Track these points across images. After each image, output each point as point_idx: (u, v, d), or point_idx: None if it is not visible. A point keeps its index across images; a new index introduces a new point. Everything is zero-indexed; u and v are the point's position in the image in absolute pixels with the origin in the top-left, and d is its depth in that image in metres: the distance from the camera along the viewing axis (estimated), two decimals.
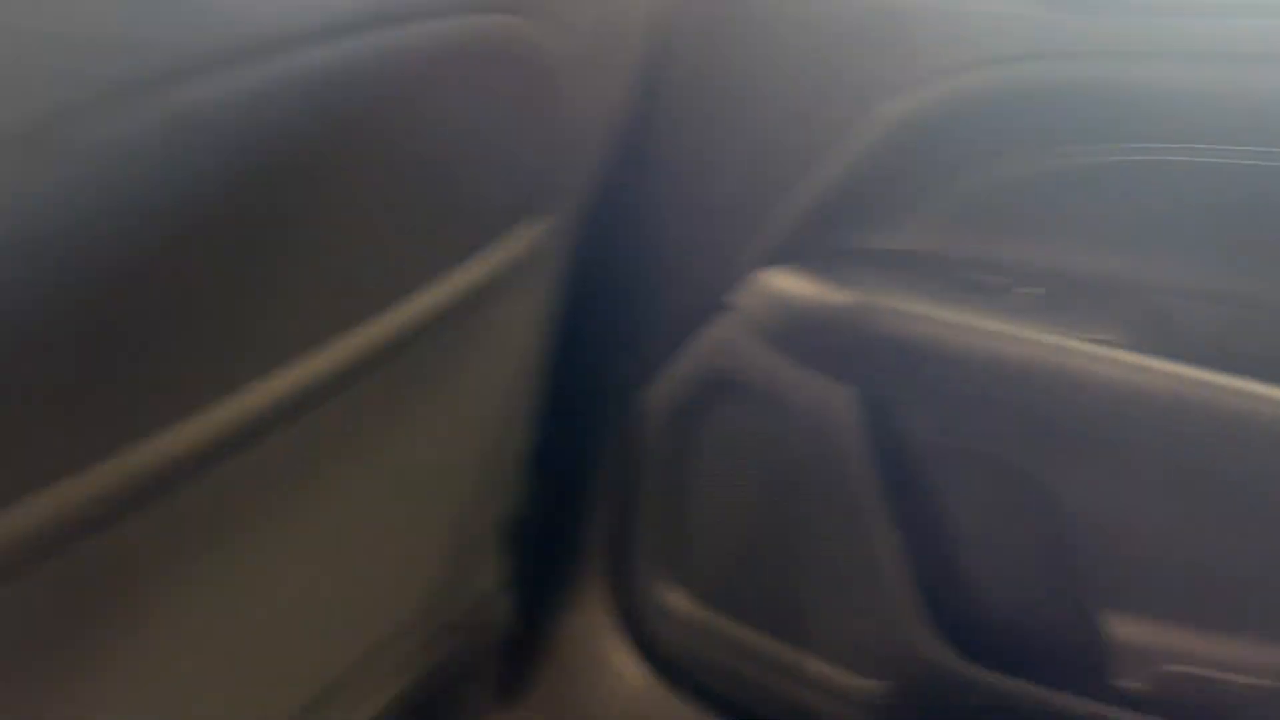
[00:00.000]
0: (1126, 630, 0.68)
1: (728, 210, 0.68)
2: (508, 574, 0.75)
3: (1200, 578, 0.65)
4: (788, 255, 0.68)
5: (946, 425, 0.68)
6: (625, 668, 0.89)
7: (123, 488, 0.36)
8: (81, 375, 0.33)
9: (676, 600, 0.85)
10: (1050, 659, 0.70)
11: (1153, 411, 0.59)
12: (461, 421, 0.58)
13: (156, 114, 0.29)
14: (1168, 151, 0.60)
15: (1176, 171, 0.60)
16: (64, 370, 0.32)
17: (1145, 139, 0.60)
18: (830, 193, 0.66)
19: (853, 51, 0.61)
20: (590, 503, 0.85)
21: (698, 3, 0.60)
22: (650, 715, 0.87)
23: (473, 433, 0.60)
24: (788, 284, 0.67)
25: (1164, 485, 0.63)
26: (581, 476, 0.84)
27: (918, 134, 0.63)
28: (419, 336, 0.48)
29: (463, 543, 0.67)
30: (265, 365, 0.40)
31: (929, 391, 0.67)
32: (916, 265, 0.67)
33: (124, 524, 0.38)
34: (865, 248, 0.68)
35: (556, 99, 0.46)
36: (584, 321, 0.71)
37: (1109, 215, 0.63)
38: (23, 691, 0.40)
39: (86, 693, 0.42)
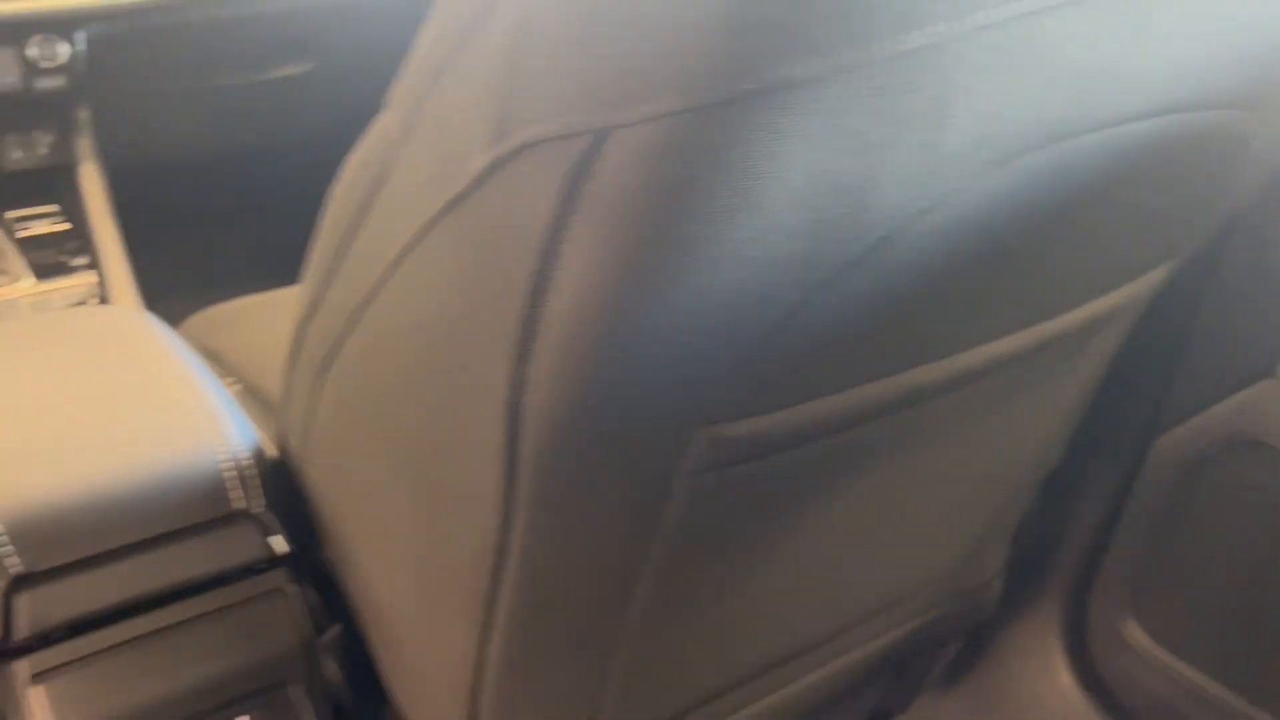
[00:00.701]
0: None
1: None
2: (1001, 565, 0.86)
3: None
4: None
5: None
6: (1062, 681, 0.96)
7: (878, 400, 0.51)
8: (902, 318, 0.47)
9: (1131, 633, 0.92)
10: None
11: None
12: (1039, 422, 0.70)
13: (1052, 155, 0.43)
14: None
15: None
16: (896, 314, 0.47)
17: None
18: None
19: None
20: (1069, 523, 0.94)
21: None
22: None
23: (1039, 434, 0.72)
24: None
25: None
26: (1070, 497, 0.93)
27: None
28: (1053, 345, 0.60)
29: (991, 524, 0.78)
30: (983, 338, 0.54)
31: None
32: None
33: (860, 429, 0.53)
34: None
35: (1235, 173, 0.56)
36: (1126, 360, 0.80)
37: None
38: (768, 533, 0.56)
39: (794, 541, 0.58)
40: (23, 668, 0.49)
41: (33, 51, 1.05)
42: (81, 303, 1.04)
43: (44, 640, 0.50)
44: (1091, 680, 0.96)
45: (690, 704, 0.69)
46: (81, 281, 1.05)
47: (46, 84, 1.07)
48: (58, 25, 1.06)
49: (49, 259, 1.07)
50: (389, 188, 0.43)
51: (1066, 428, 0.75)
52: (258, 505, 0.55)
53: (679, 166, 0.34)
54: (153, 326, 0.68)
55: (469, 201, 0.38)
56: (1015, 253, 0.48)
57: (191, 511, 0.53)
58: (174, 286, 1.26)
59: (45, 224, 1.10)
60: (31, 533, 0.50)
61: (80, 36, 1.08)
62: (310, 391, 0.53)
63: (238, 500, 0.54)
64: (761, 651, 0.70)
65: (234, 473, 0.55)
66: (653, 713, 0.66)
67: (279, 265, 1.37)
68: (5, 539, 0.49)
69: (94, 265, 1.07)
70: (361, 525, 0.54)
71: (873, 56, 0.34)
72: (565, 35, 0.35)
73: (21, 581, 0.49)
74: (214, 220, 1.42)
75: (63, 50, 1.07)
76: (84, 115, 1.15)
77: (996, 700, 1.00)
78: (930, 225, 0.41)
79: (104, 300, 1.06)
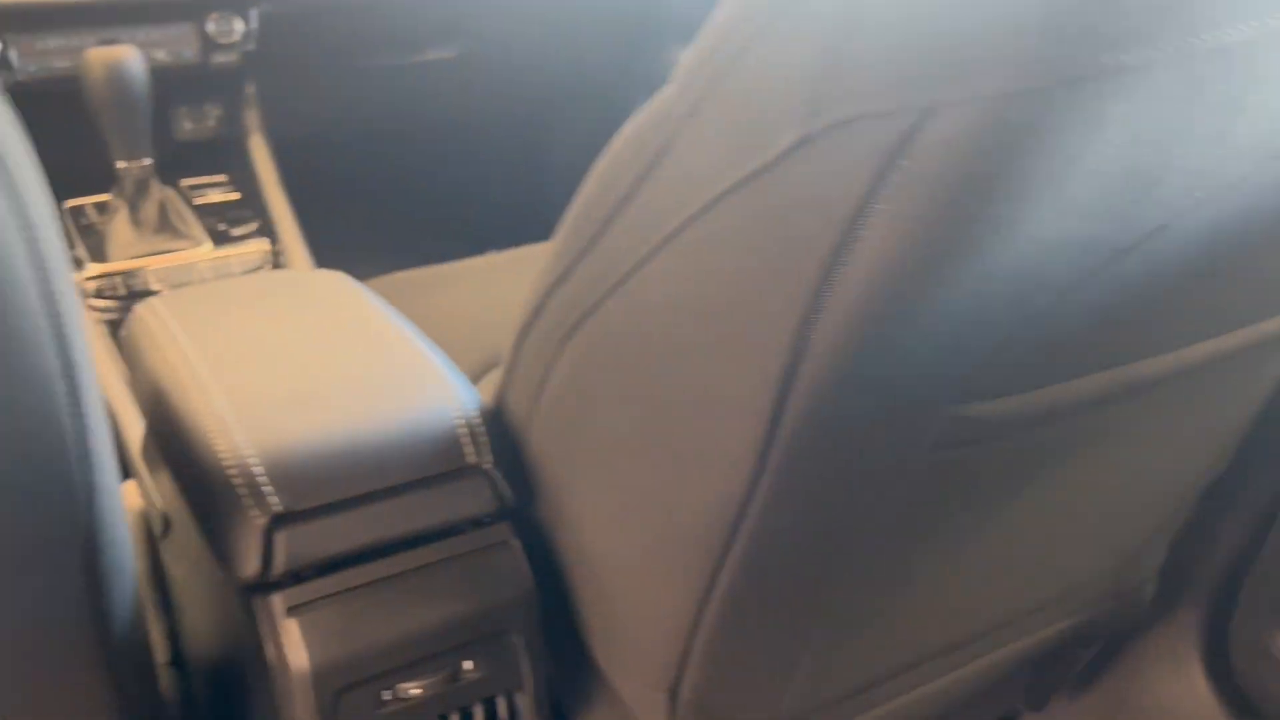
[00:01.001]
0: None
1: None
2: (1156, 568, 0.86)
3: None
4: None
5: None
6: (1199, 689, 0.96)
7: (1106, 389, 0.53)
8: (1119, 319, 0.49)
9: (1276, 645, 0.92)
10: None
11: None
12: (1223, 425, 0.70)
13: None
14: None
15: None
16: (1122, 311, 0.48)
17: None
18: None
19: None
20: (1218, 530, 0.93)
21: None
22: None
23: (1220, 437, 0.72)
24: None
25: None
26: (1221, 504, 0.93)
27: None
28: (1260, 347, 0.60)
29: (1156, 527, 0.79)
30: (1208, 334, 0.55)
31: None
32: None
33: (1078, 418, 0.54)
34: None
35: None
36: None
37: None
38: (972, 511, 0.58)
39: (987, 523, 0.60)
40: (279, 601, 0.53)
41: (211, 27, 1.10)
42: (258, 268, 1.09)
43: (295, 577, 0.53)
44: (1230, 690, 0.95)
45: (860, 687, 0.70)
46: (256, 248, 1.10)
47: (221, 59, 1.12)
48: (235, 2, 1.11)
49: (219, 226, 1.12)
50: (670, 161, 0.45)
51: (1241, 433, 0.75)
52: (487, 461, 0.57)
53: (999, 147, 0.36)
54: (364, 291, 0.71)
55: (770, 175, 0.40)
56: (1259, 250, 0.49)
57: (430, 464, 0.56)
58: (321, 260, 1.30)
59: (217, 193, 1.15)
60: (289, 475, 0.53)
61: (254, 14, 1.13)
62: (547, 355, 0.55)
63: (470, 455, 0.57)
64: (932, 639, 0.71)
65: (466, 430, 0.58)
66: (831, 693, 0.68)
67: (422, 244, 1.41)
68: (266, 479, 0.53)
69: (264, 233, 1.12)
70: (587, 485, 0.57)
71: (1195, 48, 0.35)
72: (892, 15, 0.37)
73: (281, 520, 0.52)
74: (362, 197, 1.47)
75: (238, 26, 1.12)
76: (250, 90, 1.20)
77: (1129, 704, 1.00)
78: (1200, 217, 0.43)
79: (277, 266, 1.10)
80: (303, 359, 0.62)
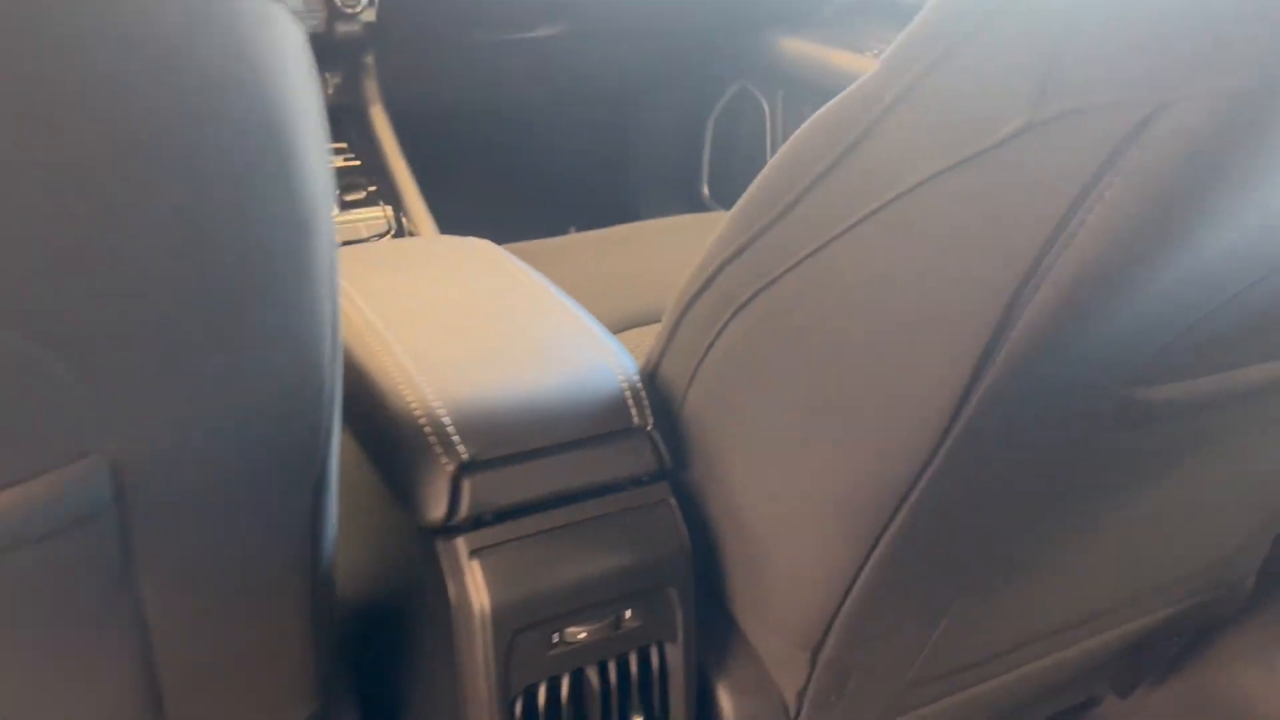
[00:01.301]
0: None
1: None
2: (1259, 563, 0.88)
3: None
4: None
5: None
6: None
7: (1260, 381, 0.55)
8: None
9: None
10: None
11: None
12: None
13: None
14: None
15: None
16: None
17: None
18: None
19: None
20: None
21: None
22: None
23: None
24: None
25: None
26: None
27: None
28: None
29: (1268, 520, 0.80)
30: None
31: None
32: None
33: (1229, 408, 0.56)
34: None
35: None
36: None
37: None
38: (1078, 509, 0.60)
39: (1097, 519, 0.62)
40: (463, 543, 0.56)
41: None
42: (385, 233, 1.12)
43: (474, 522, 0.57)
44: None
45: (979, 660, 0.73)
46: (381, 214, 1.13)
47: (344, 28, 1.15)
48: None
49: (335, 191, 1.15)
50: (872, 143, 0.48)
51: None
52: (649, 423, 0.60)
53: (1228, 141, 0.38)
54: (513, 258, 0.75)
55: (990, 158, 0.43)
56: None
57: (600, 423, 0.59)
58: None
59: (338, 159, 1.18)
60: (475, 426, 0.56)
61: None
62: (714, 326, 0.58)
63: (635, 417, 0.60)
64: (1050, 618, 0.74)
65: (630, 392, 0.60)
66: (952, 663, 0.70)
67: (507, 217, 1.44)
68: (454, 429, 0.56)
69: (383, 199, 1.15)
70: (744, 453, 0.59)
71: None
72: (1125, 11, 0.39)
73: (467, 467, 0.55)
74: (456, 170, 1.50)
75: None
76: (369, 60, 1.23)
77: (1211, 695, 1.01)
78: None
79: (400, 232, 1.14)
80: (471, 319, 0.65)
